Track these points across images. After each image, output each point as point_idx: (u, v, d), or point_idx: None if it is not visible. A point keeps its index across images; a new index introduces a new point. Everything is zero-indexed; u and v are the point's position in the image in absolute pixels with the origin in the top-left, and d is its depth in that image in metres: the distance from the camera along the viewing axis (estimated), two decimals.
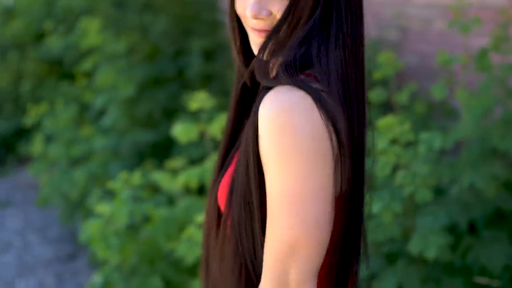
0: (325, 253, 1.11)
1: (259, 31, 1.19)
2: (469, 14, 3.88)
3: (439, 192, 2.67)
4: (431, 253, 2.15)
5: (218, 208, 1.29)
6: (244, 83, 1.32)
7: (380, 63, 2.84)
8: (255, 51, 1.22)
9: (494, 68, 2.97)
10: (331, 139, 1.08)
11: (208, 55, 4.53)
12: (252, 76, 1.27)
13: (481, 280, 2.12)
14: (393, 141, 2.19)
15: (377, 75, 2.83)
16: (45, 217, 4.74)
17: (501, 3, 3.71)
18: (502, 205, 2.58)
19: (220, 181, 1.28)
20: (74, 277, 3.89)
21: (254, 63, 1.21)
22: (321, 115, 1.07)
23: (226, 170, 1.28)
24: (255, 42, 1.22)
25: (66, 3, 4.75)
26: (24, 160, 6.10)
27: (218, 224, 1.30)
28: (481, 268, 2.32)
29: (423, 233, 2.19)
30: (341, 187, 1.14)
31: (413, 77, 4.14)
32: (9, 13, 6.63)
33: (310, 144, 1.05)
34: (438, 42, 4.09)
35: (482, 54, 2.61)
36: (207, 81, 4.48)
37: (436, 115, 3.74)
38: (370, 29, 4.50)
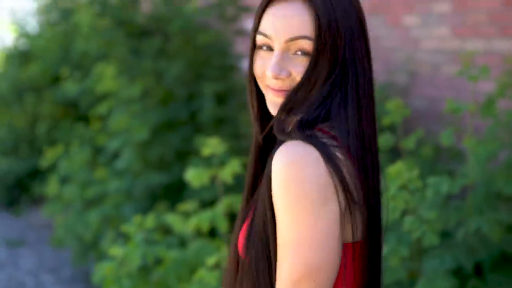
0: None
1: (278, 91, 1.29)
2: (476, 60, 3.96)
3: (445, 235, 2.71)
4: None
5: (238, 254, 1.38)
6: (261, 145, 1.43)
7: (389, 109, 2.91)
8: (271, 109, 1.32)
9: (500, 113, 3.05)
10: (337, 191, 1.17)
11: (220, 99, 4.61)
12: (267, 135, 1.39)
13: None
14: (402, 187, 2.25)
15: (385, 121, 2.90)
16: (58, 257, 4.80)
17: (508, 48, 3.79)
18: (507, 248, 2.62)
19: (240, 229, 1.38)
20: None
21: (274, 120, 1.31)
22: (327, 168, 1.16)
23: (245, 219, 1.37)
24: (272, 100, 1.31)
25: (82, 48, 4.87)
26: (38, 200, 6.19)
27: (237, 269, 1.39)
28: None
29: (430, 277, 2.23)
30: (354, 235, 1.23)
31: (421, 120, 4.21)
32: (26, 56, 6.79)
33: (315, 195, 1.16)
34: (446, 87, 4.17)
35: (489, 103, 2.68)
36: (219, 124, 4.56)
37: (444, 158, 3.80)
38: (380, 73, 4.59)
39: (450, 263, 2.31)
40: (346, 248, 1.24)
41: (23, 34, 7.06)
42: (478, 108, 2.66)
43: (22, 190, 6.27)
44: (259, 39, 1.30)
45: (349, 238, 1.23)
